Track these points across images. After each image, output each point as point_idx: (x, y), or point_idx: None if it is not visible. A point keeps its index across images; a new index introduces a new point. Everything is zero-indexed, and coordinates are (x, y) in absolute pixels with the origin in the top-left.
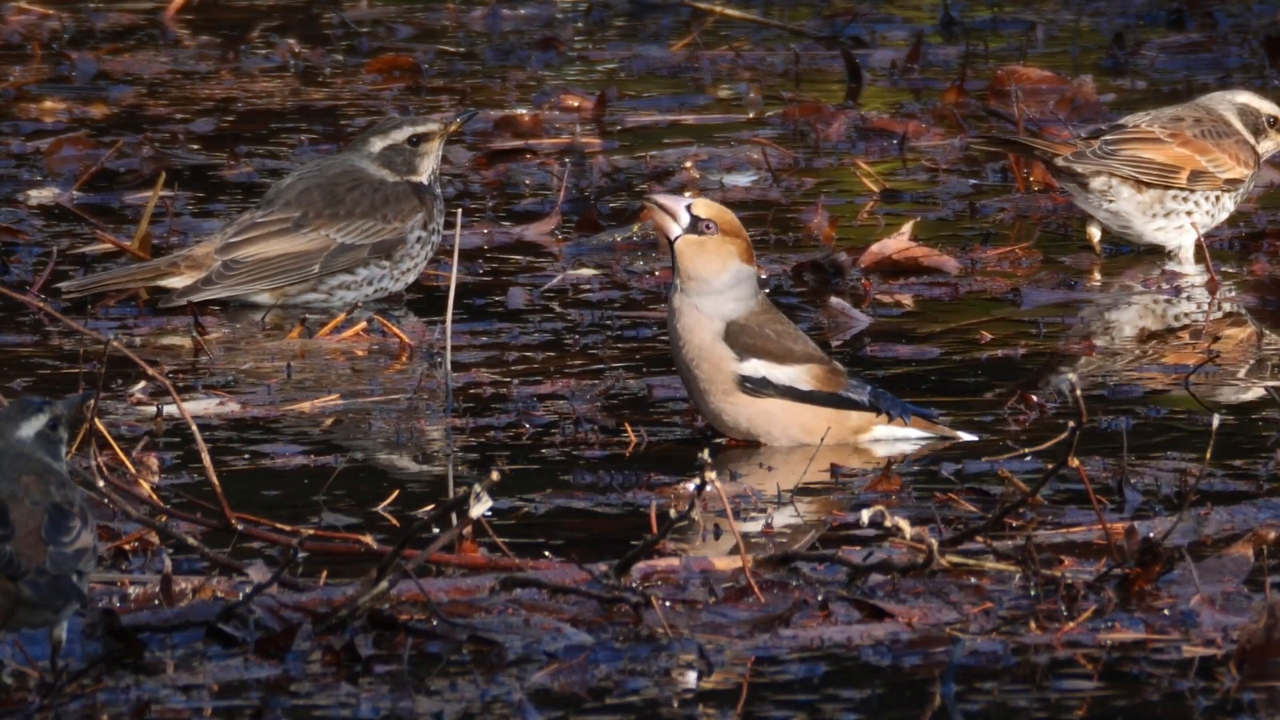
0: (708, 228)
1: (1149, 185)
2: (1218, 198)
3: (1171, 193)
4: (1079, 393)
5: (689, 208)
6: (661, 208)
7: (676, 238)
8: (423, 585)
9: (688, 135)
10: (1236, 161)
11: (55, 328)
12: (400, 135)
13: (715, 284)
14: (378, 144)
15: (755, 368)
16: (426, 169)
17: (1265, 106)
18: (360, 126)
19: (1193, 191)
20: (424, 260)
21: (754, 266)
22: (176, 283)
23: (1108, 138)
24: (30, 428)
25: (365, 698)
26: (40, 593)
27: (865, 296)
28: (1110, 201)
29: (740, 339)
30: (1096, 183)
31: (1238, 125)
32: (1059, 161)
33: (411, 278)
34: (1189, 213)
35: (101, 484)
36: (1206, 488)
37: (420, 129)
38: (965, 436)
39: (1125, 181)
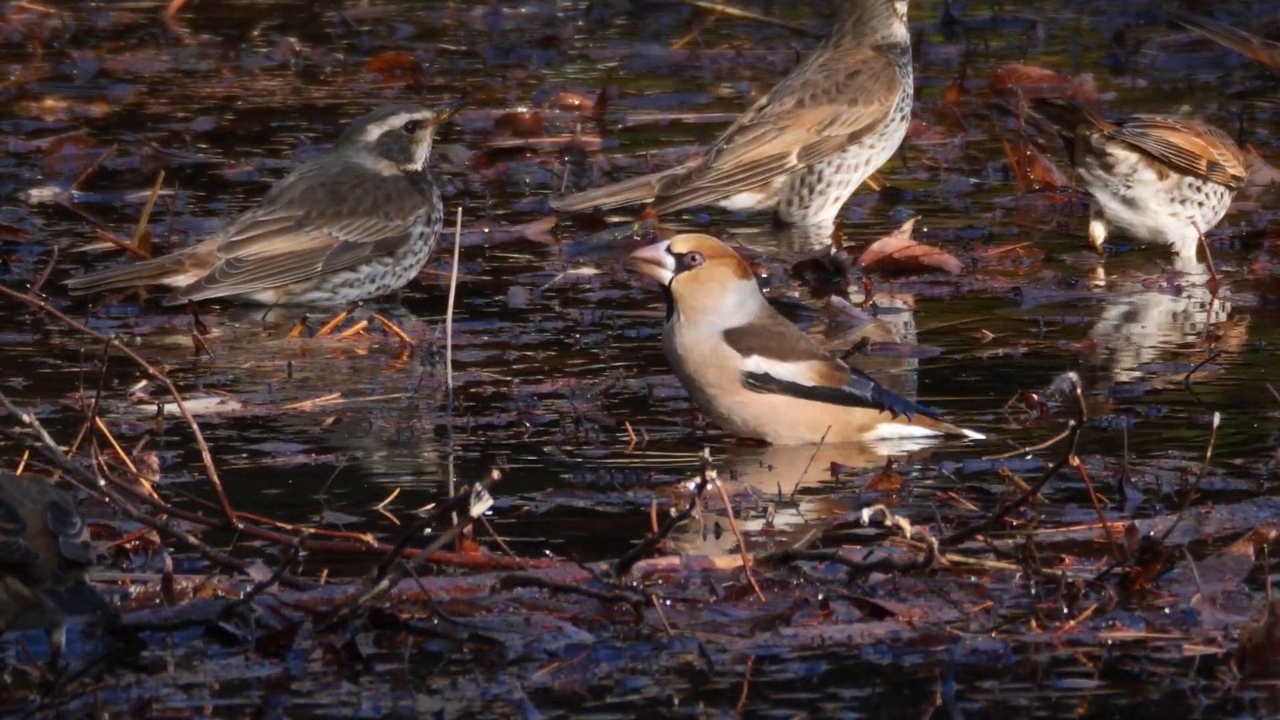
0: (694, 260)
1: (1174, 168)
2: (1222, 194)
3: (1188, 180)
4: (1080, 391)
5: (669, 249)
6: (645, 262)
7: (670, 281)
8: (423, 584)
9: (688, 134)
10: (1237, 160)
11: (56, 327)
12: (398, 121)
13: (721, 309)
14: (375, 131)
15: (757, 364)
16: (421, 156)
17: None
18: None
19: (1207, 181)
20: (426, 255)
21: (751, 280)
22: (180, 281)
23: (1131, 125)
24: None
25: (366, 696)
26: (63, 602)
27: (866, 295)
28: (1130, 186)
29: (741, 340)
30: (1123, 166)
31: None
32: (1096, 137)
33: (413, 273)
34: (1199, 204)
35: (102, 483)
36: (1207, 486)
37: (416, 115)
38: (971, 434)
39: (1151, 166)
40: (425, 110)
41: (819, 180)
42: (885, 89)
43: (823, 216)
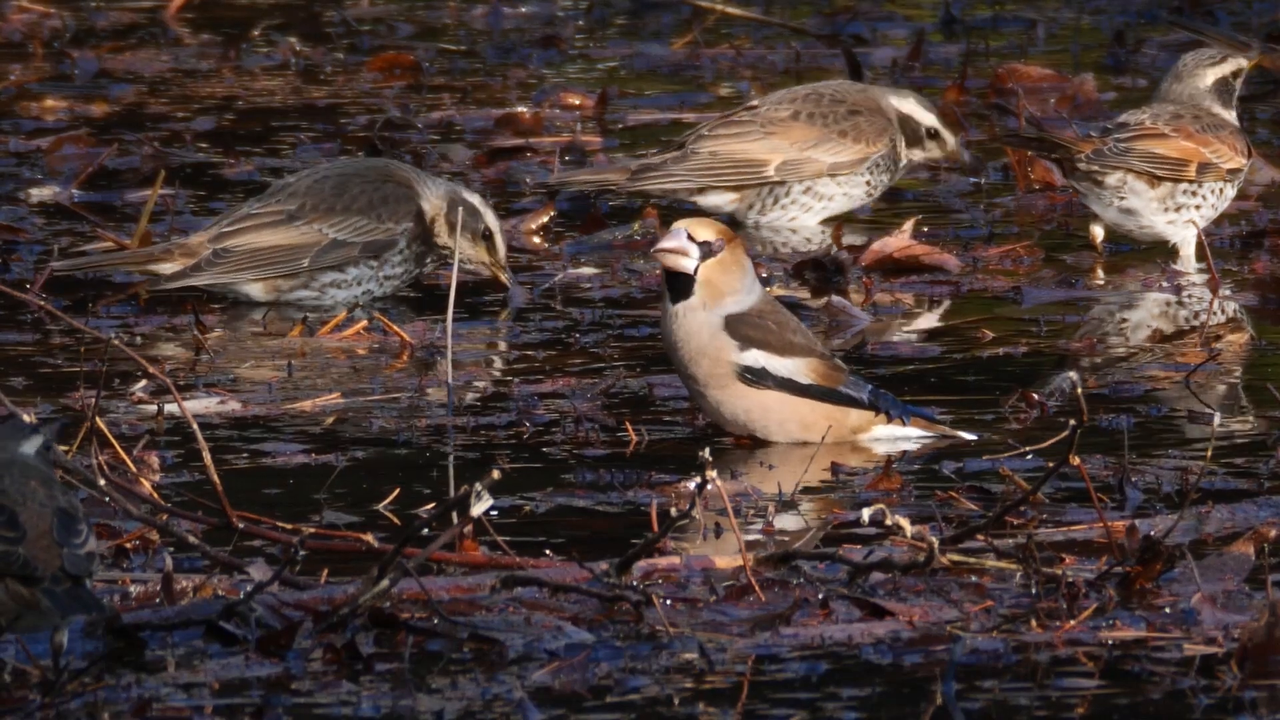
0: (719, 246)
1: (1162, 180)
2: (1221, 189)
3: (1181, 186)
4: (1080, 391)
5: (690, 236)
6: (672, 253)
7: (696, 269)
8: (424, 583)
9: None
10: (1235, 151)
11: (56, 326)
12: (479, 209)
13: (742, 289)
14: (467, 202)
15: (755, 358)
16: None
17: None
18: (362, 125)
19: (1200, 185)
20: (404, 277)
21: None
22: (167, 268)
23: (1118, 136)
24: (30, 446)
25: (366, 696)
26: (60, 603)
27: (866, 295)
28: (1123, 198)
29: (740, 329)
30: (1112, 179)
31: (1227, 117)
32: (1080, 160)
33: (392, 285)
34: (1197, 206)
35: (102, 482)
36: (1207, 486)
37: (489, 223)
38: (966, 436)
39: (1140, 177)
40: (493, 222)
41: (787, 194)
42: (875, 135)
43: (785, 224)
